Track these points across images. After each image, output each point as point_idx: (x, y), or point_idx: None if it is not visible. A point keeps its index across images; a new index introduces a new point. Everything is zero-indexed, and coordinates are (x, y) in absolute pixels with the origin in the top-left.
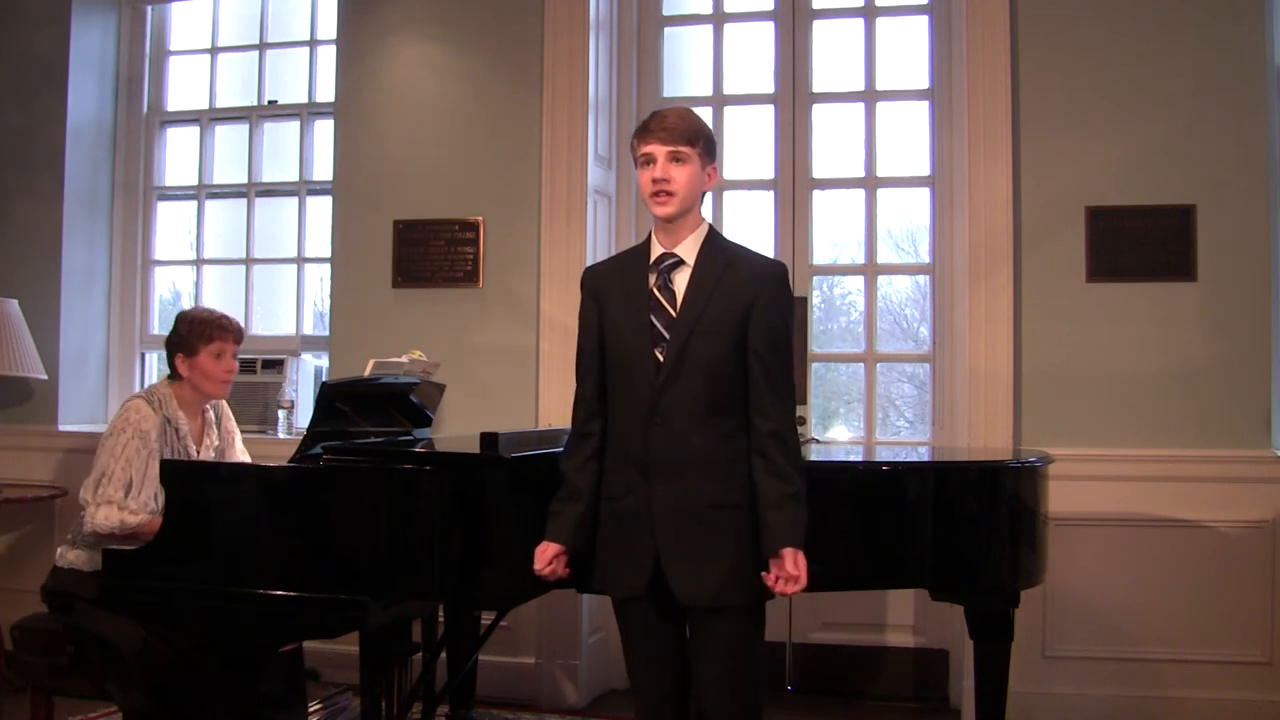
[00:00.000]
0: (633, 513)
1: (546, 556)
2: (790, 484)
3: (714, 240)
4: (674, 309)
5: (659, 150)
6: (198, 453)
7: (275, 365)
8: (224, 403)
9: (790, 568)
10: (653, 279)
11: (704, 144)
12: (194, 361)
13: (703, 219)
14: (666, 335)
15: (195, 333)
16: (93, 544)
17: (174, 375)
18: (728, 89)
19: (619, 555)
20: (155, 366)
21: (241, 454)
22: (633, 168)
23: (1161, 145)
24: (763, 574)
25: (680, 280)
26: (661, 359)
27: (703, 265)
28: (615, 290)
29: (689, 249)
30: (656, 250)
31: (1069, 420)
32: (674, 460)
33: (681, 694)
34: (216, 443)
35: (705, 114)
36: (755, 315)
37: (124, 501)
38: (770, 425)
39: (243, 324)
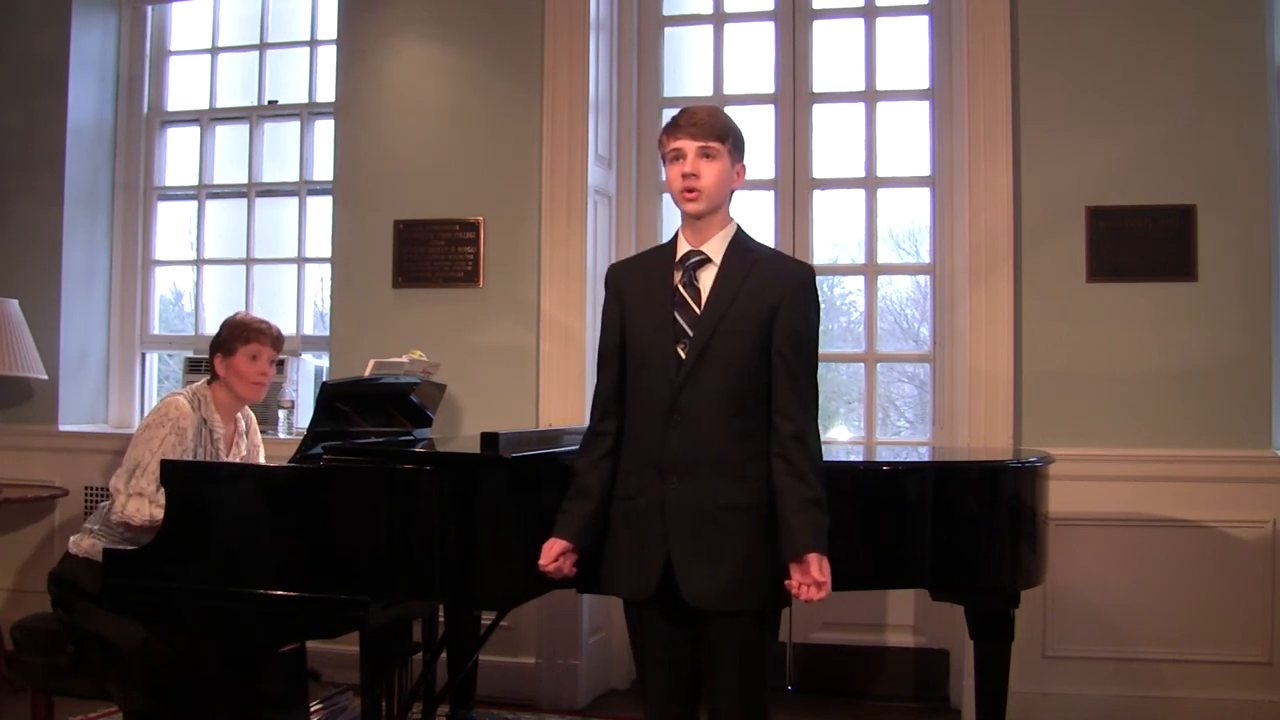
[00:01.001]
0: (645, 512)
1: (552, 553)
2: (811, 488)
3: (741, 240)
4: (698, 307)
5: (689, 146)
6: (227, 457)
7: (276, 365)
8: (253, 415)
9: (816, 573)
10: (678, 276)
11: (733, 141)
12: (230, 362)
13: (731, 218)
14: (690, 332)
15: (234, 334)
16: (115, 536)
17: (212, 377)
18: (728, 89)
19: (630, 556)
20: (155, 367)
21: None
22: (633, 168)
23: (1161, 145)
24: (786, 582)
25: (706, 278)
26: (683, 356)
27: (729, 264)
28: (639, 287)
29: (716, 247)
30: (683, 247)
31: (1069, 420)
32: (690, 459)
33: (689, 697)
34: (244, 452)
35: None
36: (780, 316)
37: (154, 495)
38: (793, 427)
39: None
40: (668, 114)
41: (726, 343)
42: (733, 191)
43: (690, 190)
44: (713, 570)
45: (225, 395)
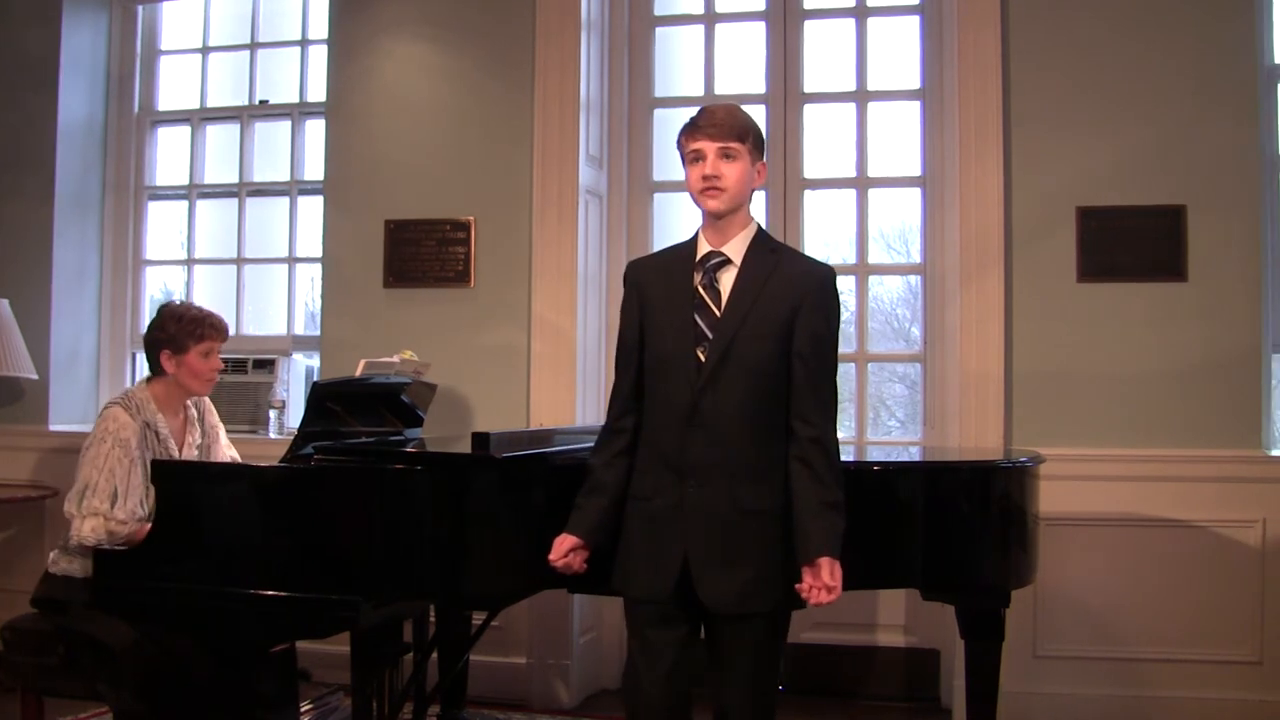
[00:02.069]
0: (663, 514)
1: (563, 548)
2: (830, 492)
3: (762, 240)
4: (718, 309)
5: (708, 146)
6: (180, 452)
7: (266, 365)
8: (206, 398)
9: (827, 578)
10: (698, 277)
11: (754, 140)
12: (182, 359)
13: (751, 218)
14: (710, 335)
15: (186, 330)
16: (84, 553)
17: (155, 371)
18: (719, 89)
19: (645, 556)
20: (146, 366)
21: (227, 448)
22: (624, 168)
23: (1152, 146)
24: (796, 585)
25: (726, 280)
26: (703, 359)
27: (750, 265)
28: (658, 286)
29: (736, 248)
30: (703, 248)
31: (1060, 420)
32: (710, 463)
33: (685, 703)
34: (200, 440)
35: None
36: (801, 318)
37: (110, 512)
38: (812, 431)
39: (232, 324)
40: (659, 114)
41: (747, 347)
42: (754, 191)
43: (710, 189)
44: (731, 574)
45: (171, 390)
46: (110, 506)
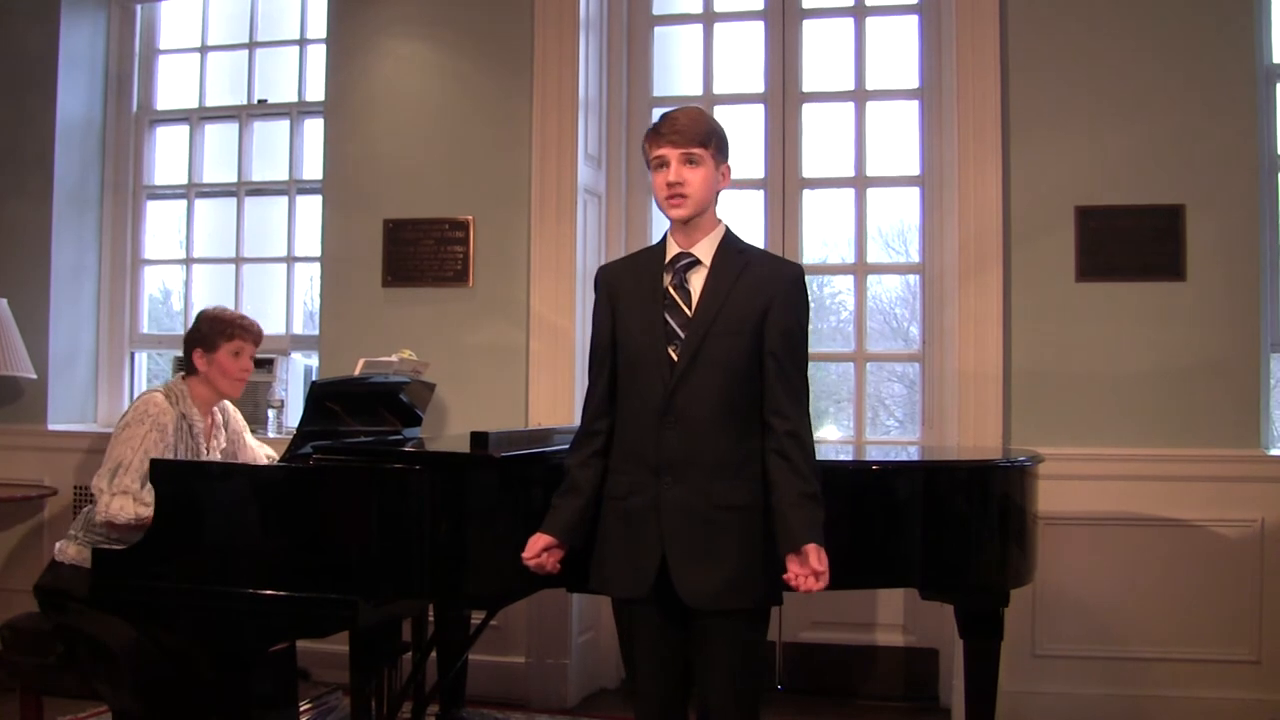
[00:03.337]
0: (639, 512)
1: (536, 547)
2: (808, 483)
3: (731, 241)
4: (689, 309)
5: (671, 153)
6: (207, 452)
7: (265, 364)
8: (228, 403)
9: (815, 564)
10: (668, 278)
11: (716, 144)
12: (212, 357)
13: (719, 220)
14: (681, 334)
15: (216, 329)
16: (100, 539)
17: (190, 371)
18: (718, 88)
19: (623, 555)
20: (145, 365)
21: (255, 447)
22: (623, 167)
23: (1151, 145)
24: (784, 575)
25: (696, 280)
26: (675, 358)
27: (719, 266)
28: (630, 288)
29: (705, 249)
30: (673, 250)
31: (1058, 420)
32: (684, 460)
33: (681, 696)
34: (224, 444)
35: None
36: (772, 316)
37: (139, 493)
38: (788, 425)
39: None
40: (658, 113)
41: (719, 344)
42: (719, 193)
43: (675, 197)
44: (709, 570)
45: (204, 390)
46: (140, 487)
